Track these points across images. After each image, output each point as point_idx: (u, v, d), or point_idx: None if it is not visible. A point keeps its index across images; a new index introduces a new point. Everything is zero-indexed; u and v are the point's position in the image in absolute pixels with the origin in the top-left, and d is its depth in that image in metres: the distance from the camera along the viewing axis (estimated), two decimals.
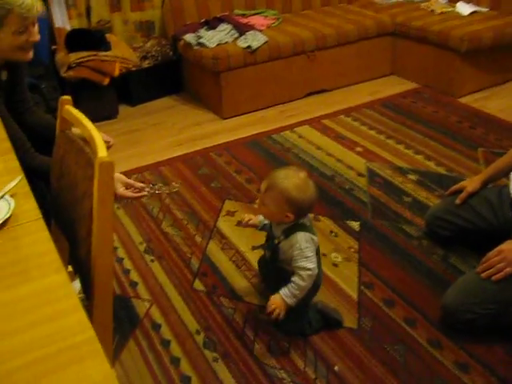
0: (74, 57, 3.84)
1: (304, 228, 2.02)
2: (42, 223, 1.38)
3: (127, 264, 2.61)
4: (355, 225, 2.78)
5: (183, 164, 3.47)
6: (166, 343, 2.16)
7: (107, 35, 4.20)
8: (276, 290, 2.04)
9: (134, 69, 4.18)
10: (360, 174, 3.23)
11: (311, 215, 2.09)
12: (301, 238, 1.99)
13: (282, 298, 1.99)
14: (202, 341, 2.16)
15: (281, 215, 1.99)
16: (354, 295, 2.33)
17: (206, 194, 3.13)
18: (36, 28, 2.05)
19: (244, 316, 2.26)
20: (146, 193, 2.12)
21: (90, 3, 4.25)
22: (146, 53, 4.31)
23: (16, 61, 2.12)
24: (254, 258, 2.57)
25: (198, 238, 2.76)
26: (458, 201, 2.41)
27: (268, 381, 1.97)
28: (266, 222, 2.22)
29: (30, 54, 2.10)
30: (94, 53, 3.90)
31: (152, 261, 2.62)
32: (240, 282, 2.45)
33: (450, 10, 4.62)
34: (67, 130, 1.52)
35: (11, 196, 1.48)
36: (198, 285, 2.45)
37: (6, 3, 1.91)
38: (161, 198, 3.03)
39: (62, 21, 4.13)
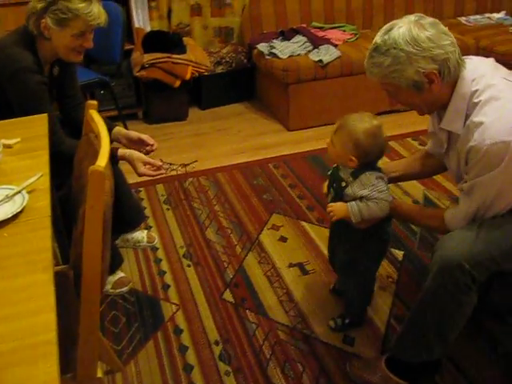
0: (148, 57, 3.95)
1: (374, 168, 1.91)
2: (48, 221, 1.42)
3: (164, 266, 2.65)
4: (399, 254, 2.68)
5: (240, 172, 3.48)
6: (183, 349, 2.17)
7: (184, 38, 4.28)
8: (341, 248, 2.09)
9: (206, 73, 4.24)
10: (415, 201, 3.12)
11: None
12: (371, 175, 1.87)
13: (345, 206, 1.90)
14: (218, 352, 2.15)
15: (345, 158, 1.88)
16: (382, 327, 2.25)
17: (256, 205, 3.12)
18: (92, 36, 2.17)
19: (265, 333, 2.23)
20: (163, 171, 2.26)
21: (172, 6, 4.35)
22: (221, 58, 4.37)
23: (67, 60, 2.21)
24: (288, 275, 2.55)
25: (239, 249, 2.76)
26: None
27: None
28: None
29: (81, 57, 2.22)
30: (168, 55, 3.99)
31: (189, 266, 2.64)
32: (269, 298, 2.42)
33: None
34: (90, 133, 1.55)
35: (30, 192, 1.53)
36: (228, 295, 2.44)
37: (76, 9, 2.05)
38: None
39: (143, 21, 4.25)
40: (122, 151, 2.22)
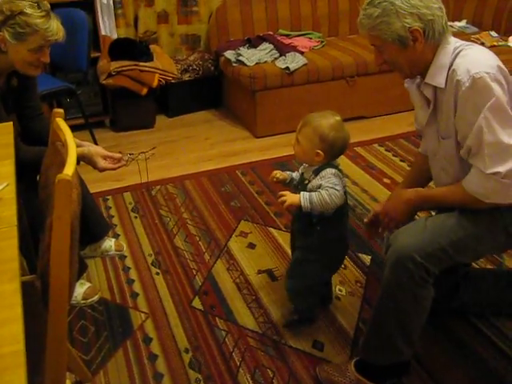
0: (115, 65, 3.93)
1: (334, 166, 1.99)
2: (14, 230, 1.40)
3: (132, 274, 2.63)
4: (367, 258, 2.71)
5: (208, 180, 3.49)
6: (153, 358, 2.15)
7: (151, 46, 4.28)
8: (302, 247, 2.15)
9: (173, 81, 4.24)
10: None
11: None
12: (330, 171, 1.96)
13: (298, 195, 1.98)
14: (188, 360, 2.14)
15: (312, 153, 1.97)
16: (351, 331, 2.27)
17: (224, 213, 3.12)
18: (49, 50, 2.17)
19: (235, 340, 2.23)
20: (124, 162, 2.28)
21: (138, 14, 4.34)
22: (188, 66, 4.37)
23: (24, 74, 2.21)
24: (257, 282, 2.55)
25: (207, 256, 2.76)
26: (365, 220, 2.24)
27: None
28: (294, 176, 2.19)
29: (39, 71, 2.21)
30: (135, 63, 3.98)
31: (157, 274, 2.63)
32: (238, 305, 2.43)
33: (501, 43, 4.50)
34: (57, 142, 1.54)
35: None
36: (197, 303, 2.44)
37: (35, 24, 2.04)
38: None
39: (110, 29, 4.24)
40: (79, 150, 2.20)
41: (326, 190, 1.94)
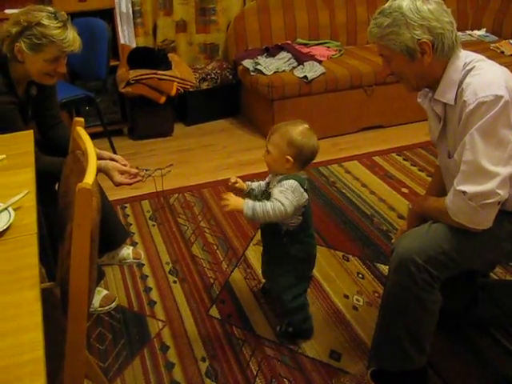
0: (134, 74, 3.96)
1: (297, 178, 2.01)
2: (34, 238, 1.41)
3: (150, 282, 2.64)
4: (384, 268, 2.69)
5: (226, 188, 3.48)
6: (170, 366, 2.16)
7: (170, 55, 4.31)
8: (271, 259, 2.23)
9: (192, 89, 4.26)
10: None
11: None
12: (291, 182, 1.98)
13: (241, 201, 1.99)
14: (205, 368, 2.14)
15: (281, 160, 1.99)
16: (368, 342, 2.25)
17: (242, 221, 3.12)
18: (65, 61, 2.19)
19: (252, 349, 2.23)
20: (140, 178, 2.29)
21: (157, 23, 4.38)
22: (206, 75, 4.39)
23: (40, 83, 2.24)
24: None
25: (225, 265, 2.76)
26: (393, 240, 2.25)
27: None
28: (254, 187, 2.23)
29: (54, 80, 2.24)
30: (154, 71, 4.01)
31: (175, 282, 2.64)
32: (256, 314, 2.42)
33: None
34: (77, 151, 1.55)
35: (16, 209, 1.53)
36: (214, 311, 2.44)
37: (52, 36, 2.06)
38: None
39: (129, 38, 4.28)
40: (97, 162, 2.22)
41: (271, 201, 1.96)
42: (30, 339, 1.07)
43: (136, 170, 2.29)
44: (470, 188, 1.62)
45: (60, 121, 2.46)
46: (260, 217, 1.97)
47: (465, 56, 1.75)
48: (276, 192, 1.98)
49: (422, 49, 1.69)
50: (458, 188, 1.65)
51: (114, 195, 3.21)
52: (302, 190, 2.00)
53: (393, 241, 2.16)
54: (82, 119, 1.58)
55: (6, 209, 1.51)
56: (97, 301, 2.43)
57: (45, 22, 2.05)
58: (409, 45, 1.68)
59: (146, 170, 2.30)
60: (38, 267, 1.29)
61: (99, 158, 2.41)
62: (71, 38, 2.11)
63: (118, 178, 2.24)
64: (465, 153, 1.63)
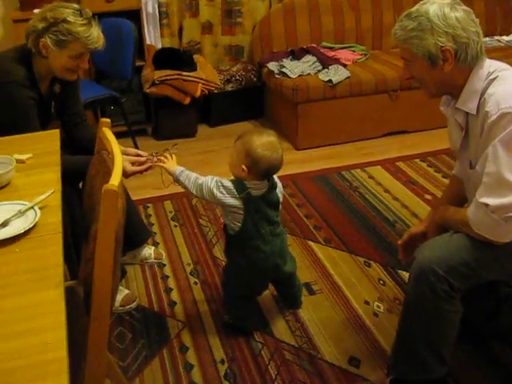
0: (159, 74, 3.98)
1: (237, 183, 2.03)
2: (59, 237, 1.42)
3: (171, 283, 2.65)
4: (406, 275, 2.67)
5: None
6: (189, 367, 2.16)
7: (195, 56, 4.32)
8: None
9: (216, 91, 4.27)
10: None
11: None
12: (225, 180, 2.03)
13: (176, 166, 2.14)
14: (224, 371, 2.14)
15: (238, 167, 2.00)
16: (388, 349, 2.23)
17: None
18: (88, 57, 2.22)
19: (271, 352, 2.22)
20: (150, 164, 2.30)
21: (183, 24, 4.40)
22: (231, 76, 4.40)
23: (61, 78, 2.27)
24: None
25: None
26: (399, 241, 2.16)
27: None
28: None
29: (75, 76, 2.26)
30: (179, 72, 4.03)
31: (195, 283, 2.64)
32: (276, 317, 2.42)
33: None
34: (103, 151, 1.56)
35: (42, 208, 1.54)
36: None
37: (77, 33, 2.09)
38: None
39: (154, 38, 4.30)
40: None
41: (206, 178, 2.05)
42: (53, 338, 1.08)
43: (144, 158, 2.30)
44: (492, 200, 1.59)
45: (83, 120, 2.49)
46: (182, 181, 2.10)
47: (489, 65, 1.72)
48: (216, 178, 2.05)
49: (444, 56, 1.67)
50: (480, 200, 1.62)
51: (137, 194, 3.24)
52: (235, 193, 2.01)
53: (399, 242, 2.13)
54: (108, 120, 1.59)
55: (32, 207, 1.52)
56: (117, 300, 2.44)
57: (71, 18, 2.08)
58: (431, 51, 1.67)
59: (155, 154, 2.31)
60: (62, 267, 1.30)
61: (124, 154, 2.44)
62: (96, 35, 2.15)
63: (129, 168, 2.24)
64: (487, 164, 1.61)
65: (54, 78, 2.29)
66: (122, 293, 2.48)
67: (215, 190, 2.02)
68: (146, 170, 2.30)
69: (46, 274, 1.28)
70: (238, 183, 2.02)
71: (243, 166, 1.98)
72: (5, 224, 1.47)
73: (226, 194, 2.02)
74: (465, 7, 1.69)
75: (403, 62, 1.81)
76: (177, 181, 2.07)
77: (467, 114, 1.75)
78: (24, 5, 3.71)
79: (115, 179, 1.23)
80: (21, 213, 1.51)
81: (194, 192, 2.07)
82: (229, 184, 2.02)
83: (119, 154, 1.38)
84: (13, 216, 1.50)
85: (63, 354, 1.04)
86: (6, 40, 3.91)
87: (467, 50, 1.66)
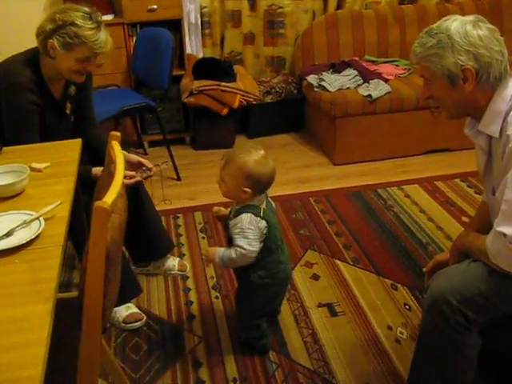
0: (198, 84, 3.98)
1: (252, 209, 2.00)
2: (59, 250, 1.41)
3: (192, 296, 2.63)
4: None
5: (280, 205, 3.43)
6: None
7: (235, 66, 4.32)
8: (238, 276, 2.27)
9: (255, 102, 4.25)
10: None
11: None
12: (245, 218, 1.97)
13: (215, 253, 2.06)
14: None
15: (239, 191, 1.98)
16: (406, 376, 2.14)
17: (292, 240, 3.07)
18: (96, 60, 2.22)
19: (285, 374, 2.17)
20: (138, 178, 2.33)
21: (225, 34, 4.40)
22: (271, 88, 4.36)
23: (69, 80, 2.29)
24: (316, 315, 2.48)
25: None
26: (425, 268, 2.06)
27: None
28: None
29: (83, 78, 2.26)
30: (217, 82, 4.02)
31: (216, 297, 2.61)
32: (294, 337, 2.36)
33: None
34: (112, 164, 1.55)
35: (48, 218, 1.54)
36: None
37: (84, 36, 2.10)
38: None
39: (196, 48, 4.31)
40: (95, 169, 2.25)
41: (234, 249, 1.99)
42: (32, 354, 1.07)
43: (132, 173, 2.32)
44: (510, 230, 1.50)
45: (96, 124, 2.51)
46: (230, 265, 2.10)
47: None
48: (235, 237, 2.00)
49: (464, 76, 1.59)
50: (497, 229, 1.54)
51: (168, 205, 3.24)
52: (259, 218, 1.98)
53: (424, 269, 2.03)
54: (118, 133, 1.58)
55: (37, 218, 1.52)
56: (121, 316, 2.41)
57: (79, 22, 2.09)
58: (451, 69, 1.59)
59: (143, 169, 2.34)
60: (56, 280, 1.29)
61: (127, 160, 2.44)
62: (103, 39, 2.15)
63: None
64: (506, 191, 1.52)
65: (68, 81, 2.31)
66: (129, 310, 2.44)
67: (250, 237, 1.98)
68: (133, 184, 2.34)
69: (38, 288, 1.27)
70: (250, 210, 1.99)
71: (245, 189, 1.96)
72: (9, 234, 1.48)
73: (254, 227, 1.98)
74: (489, 25, 1.61)
75: (423, 81, 1.73)
76: (225, 268, 2.07)
77: (490, 137, 1.66)
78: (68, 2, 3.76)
79: (109, 197, 1.21)
80: (26, 223, 1.51)
81: (243, 264, 2.07)
82: (246, 217, 1.98)
83: (121, 171, 1.36)
84: (17, 226, 1.50)
85: (38, 373, 1.02)
86: None
87: (490, 69, 1.57)
